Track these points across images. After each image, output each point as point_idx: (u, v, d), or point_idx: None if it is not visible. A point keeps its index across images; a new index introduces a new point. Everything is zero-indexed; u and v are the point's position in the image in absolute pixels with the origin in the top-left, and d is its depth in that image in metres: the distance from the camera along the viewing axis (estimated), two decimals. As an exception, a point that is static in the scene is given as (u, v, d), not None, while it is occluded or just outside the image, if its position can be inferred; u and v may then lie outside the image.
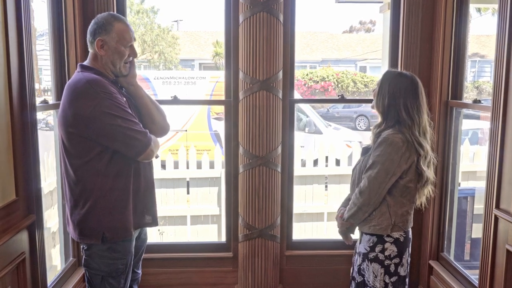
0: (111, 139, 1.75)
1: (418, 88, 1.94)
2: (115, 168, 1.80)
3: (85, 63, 1.88)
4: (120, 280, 1.88)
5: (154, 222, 1.97)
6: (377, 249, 1.95)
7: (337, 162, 4.55)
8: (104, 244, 1.82)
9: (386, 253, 1.94)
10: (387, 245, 1.93)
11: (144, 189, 1.91)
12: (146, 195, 1.92)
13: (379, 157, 1.88)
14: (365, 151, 2.03)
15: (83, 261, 1.89)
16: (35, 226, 1.87)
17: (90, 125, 1.72)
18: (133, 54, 1.89)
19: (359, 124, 14.76)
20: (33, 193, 1.86)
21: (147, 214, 1.94)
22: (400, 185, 1.92)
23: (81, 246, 1.90)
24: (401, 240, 1.95)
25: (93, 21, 1.86)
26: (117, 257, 1.85)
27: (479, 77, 20.04)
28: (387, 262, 1.94)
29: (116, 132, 1.74)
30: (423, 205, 2.03)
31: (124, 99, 1.86)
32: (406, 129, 1.89)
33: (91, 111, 1.71)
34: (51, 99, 2.49)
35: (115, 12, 2.54)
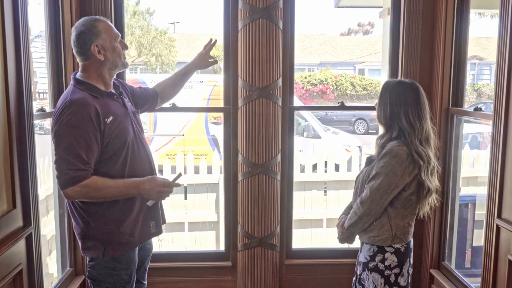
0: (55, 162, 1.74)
1: (419, 95, 1.92)
2: None
3: (78, 76, 1.82)
4: None
5: (158, 231, 1.99)
6: (377, 258, 1.93)
7: (336, 167, 4.53)
8: (106, 257, 1.82)
9: (386, 263, 1.92)
10: (387, 255, 1.92)
11: (142, 201, 1.87)
12: (147, 207, 1.89)
13: (383, 169, 1.86)
14: (369, 161, 2.01)
15: (87, 273, 1.89)
16: (32, 237, 1.84)
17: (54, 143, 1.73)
18: (124, 47, 1.87)
19: (357, 127, 14.72)
20: (30, 204, 1.83)
21: (150, 223, 1.93)
22: (403, 197, 1.89)
23: (86, 258, 1.92)
24: (402, 251, 1.93)
25: (75, 32, 1.79)
26: (120, 267, 1.85)
27: (478, 80, 20.08)
28: (387, 272, 1.92)
29: (57, 158, 1.71)
30: (426, 217, 2.00)
31: (118, 113, 1.81)
32: (406, 137, 1.87)
33: (56, 130, 1.71)
34: (46, 102, 2.46)
35: (112, 14, 2.53)
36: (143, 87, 2.21)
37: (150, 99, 2.18)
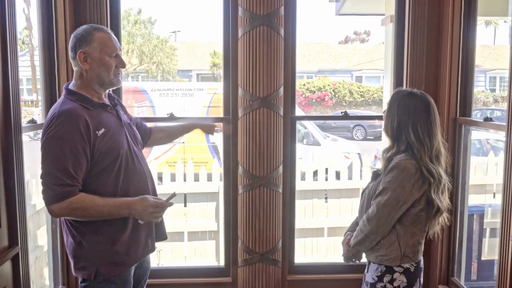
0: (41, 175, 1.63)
1: (429, 108, 1.81)
2: None
3: (71, 85, 1.73)
4: None
5: (152, 249, 1.87)
6: (385, 279, 1.81)
7: (337, 175, 4.45)
8: (99, 277, 1.70)
9: (395, 284, 1.80)
10: (396, 275, 1.80)
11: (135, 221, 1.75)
12: (143, 224, 1.77)
13: (390, 184, 1.75)
14: (375, 175, 1.89)
15: None
16: (19, 257, 1.74)
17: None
18: (121, 64, 1.75)
19: (356, 134, 14.75)
20: (17, 222, 1.73)
21: (148, 241, 1.82)
22: (412, 213, 1.78)
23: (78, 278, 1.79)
24: (412, 270, 1.81)
25: (72, 36, 1.72)
26: None
27: (475, 86, 20.10)
28: None
29: (43, 172, 1.61)
30: (436, 234, 1.88)
31: (111, 125, 1.71)
32: (415, 153, 1.76)
33: (43, 142, 1.61)
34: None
35: (108, 23, 2.45)
36: (139, 121, 2.08)
37: (142, 134, 2.03)
